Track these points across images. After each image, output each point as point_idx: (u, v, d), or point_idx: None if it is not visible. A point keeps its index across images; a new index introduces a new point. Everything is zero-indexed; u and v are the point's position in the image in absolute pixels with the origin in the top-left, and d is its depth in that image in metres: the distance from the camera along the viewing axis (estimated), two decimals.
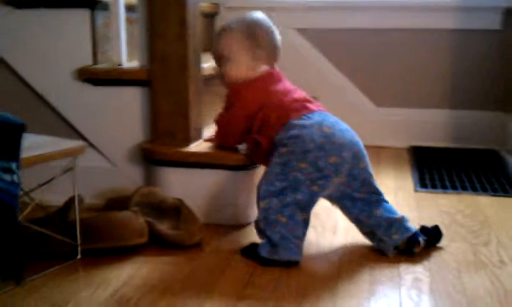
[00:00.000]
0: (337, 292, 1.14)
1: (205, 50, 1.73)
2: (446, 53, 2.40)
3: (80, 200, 1.35)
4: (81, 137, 1.65)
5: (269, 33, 1.46)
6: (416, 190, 1.80)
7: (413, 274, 1.22)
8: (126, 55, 1.64)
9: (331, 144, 1.28)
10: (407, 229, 1.31)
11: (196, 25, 1.56)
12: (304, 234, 1.28)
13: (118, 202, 1.48)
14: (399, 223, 1.31)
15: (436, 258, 1.30)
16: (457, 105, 2.41)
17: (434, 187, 1.84)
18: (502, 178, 1.93)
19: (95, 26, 1.62)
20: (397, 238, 1.30)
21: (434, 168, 2.06)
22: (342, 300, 1.11)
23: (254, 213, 1.42)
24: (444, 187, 1.83)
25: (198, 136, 1.60)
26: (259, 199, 1.30)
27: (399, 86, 2.46)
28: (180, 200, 1.41)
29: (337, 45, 2.49)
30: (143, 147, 1.58)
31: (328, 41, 2.49)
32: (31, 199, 1.23)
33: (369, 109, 2.49)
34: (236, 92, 1.44)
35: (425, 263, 1.27)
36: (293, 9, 2.49)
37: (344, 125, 1.35)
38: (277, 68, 1.49)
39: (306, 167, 1.27)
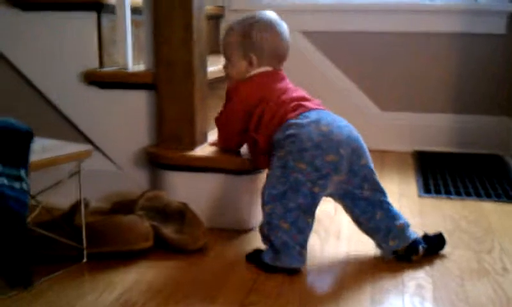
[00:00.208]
0: (340, 299, 1.14)
1: (211, 52, 1.74)
2: (451, 57, 2.40)
3: (86, 204, 1.35)
4: (87, 140, 1.66)
5: (268, 35, 1.44)
6: (420, 196, 1.80)
7: (416, 281, 1.22)
8: (132, 58, 1.65)
9: (328, 142, 1.26)
10: (406, 237, 1.30)
11: (201, 30, 1.56)
12: (306, 240, 1.27)
13: (124, 206, 1.48)
14: (399, 230, 1.30)
15: (439, 265, 1.30)
16: (462, 110, 2.41)
17: (438, 192, 1.84)
18: (506, 183, 1.93)
19: (101, 29, 1.62)
20: (394, 245, 1.30)
21: (438, 173, 2.06)
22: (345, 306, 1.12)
23: (258, 218, 1.42)
24: (448, 193, 1.83)
25: (203, 140, 1.60)
26: (263, 204, 1.30)
27: (404, 90, 2.46)
28: (184, 204, 1.42)
29: (342, 48, 2.49)
30: (148, 151, 1.59)
31: (333, 44, 2.50)
32: (37, 203, 1.24)
33: (374, 113, 2.49)
34: (235, 87, 1.45)
35: (429, 270, 1.28)
36: (298, 12, 2.49)
37: (343, 122, 1.33)
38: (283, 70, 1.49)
39: (305, 167, 1.25)
